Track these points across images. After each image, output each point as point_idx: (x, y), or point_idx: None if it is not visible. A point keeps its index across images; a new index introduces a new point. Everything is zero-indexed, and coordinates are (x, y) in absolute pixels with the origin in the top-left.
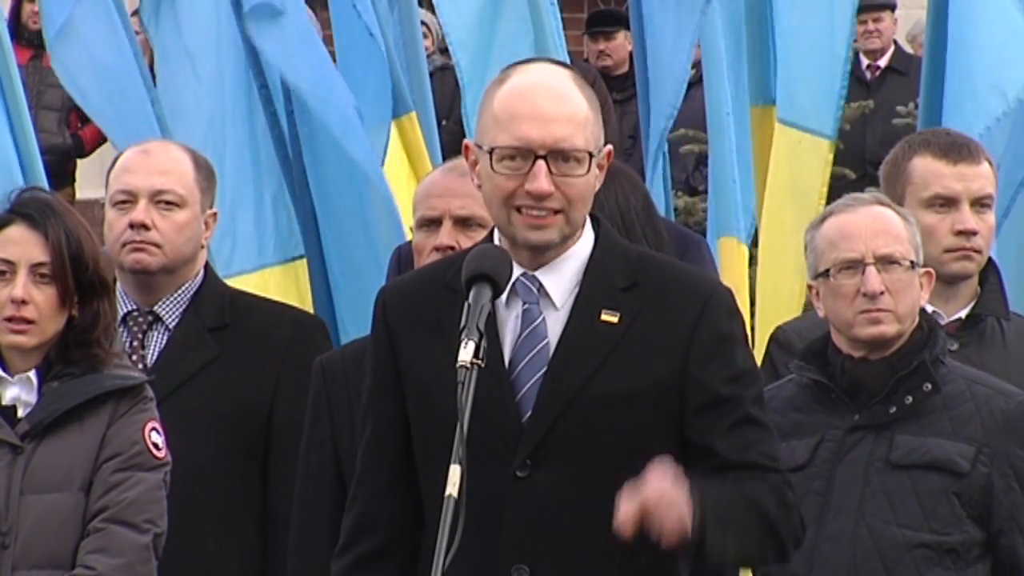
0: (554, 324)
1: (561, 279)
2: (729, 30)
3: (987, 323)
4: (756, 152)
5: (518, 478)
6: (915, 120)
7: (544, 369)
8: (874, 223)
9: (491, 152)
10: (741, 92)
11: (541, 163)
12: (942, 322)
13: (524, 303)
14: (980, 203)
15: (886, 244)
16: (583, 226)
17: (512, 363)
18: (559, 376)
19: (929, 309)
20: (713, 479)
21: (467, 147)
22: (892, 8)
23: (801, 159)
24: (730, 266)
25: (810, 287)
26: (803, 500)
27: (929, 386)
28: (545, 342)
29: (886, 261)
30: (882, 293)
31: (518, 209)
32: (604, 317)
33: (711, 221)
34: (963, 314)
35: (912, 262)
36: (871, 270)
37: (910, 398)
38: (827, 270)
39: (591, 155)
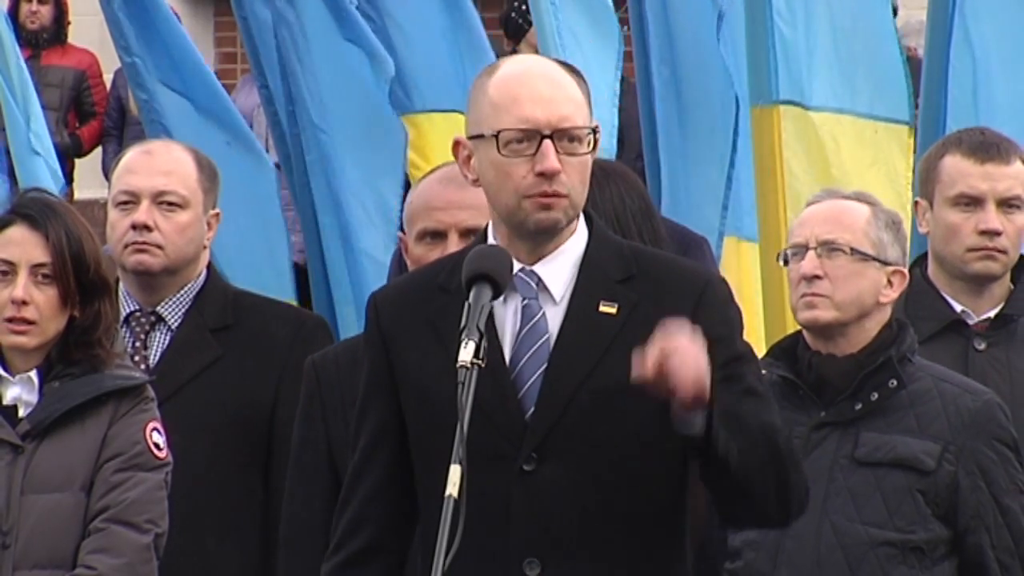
0: (553, 318)
1: (559, 273)
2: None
3: (1019, 323)
4: (756, 152)
5: (524, 472)
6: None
7: (545, 364)
8: (828, 211)
9: (497, 136)
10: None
11: (548, 143)
12: (971, 321)
13: (523, 299)
14: (1008, 203)
15: (830, 231)
16: (578, 218)
17: (513, 360)
18: (561, 370)
19: (958, 308)
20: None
21: (459, 143)
22: None
23: (880, 147)
24: (730, 266)
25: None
26: None
27: (895, 382)
28: (546, 337)
29: (828, 247)
30: (818, 277)
31: (528, 194)
32: (603, 308)
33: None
34: (992, 314)
35: (863, 253)
36: (810, 254)
37: (876, 395)
38: (786, 256)
39: (592, 132)
